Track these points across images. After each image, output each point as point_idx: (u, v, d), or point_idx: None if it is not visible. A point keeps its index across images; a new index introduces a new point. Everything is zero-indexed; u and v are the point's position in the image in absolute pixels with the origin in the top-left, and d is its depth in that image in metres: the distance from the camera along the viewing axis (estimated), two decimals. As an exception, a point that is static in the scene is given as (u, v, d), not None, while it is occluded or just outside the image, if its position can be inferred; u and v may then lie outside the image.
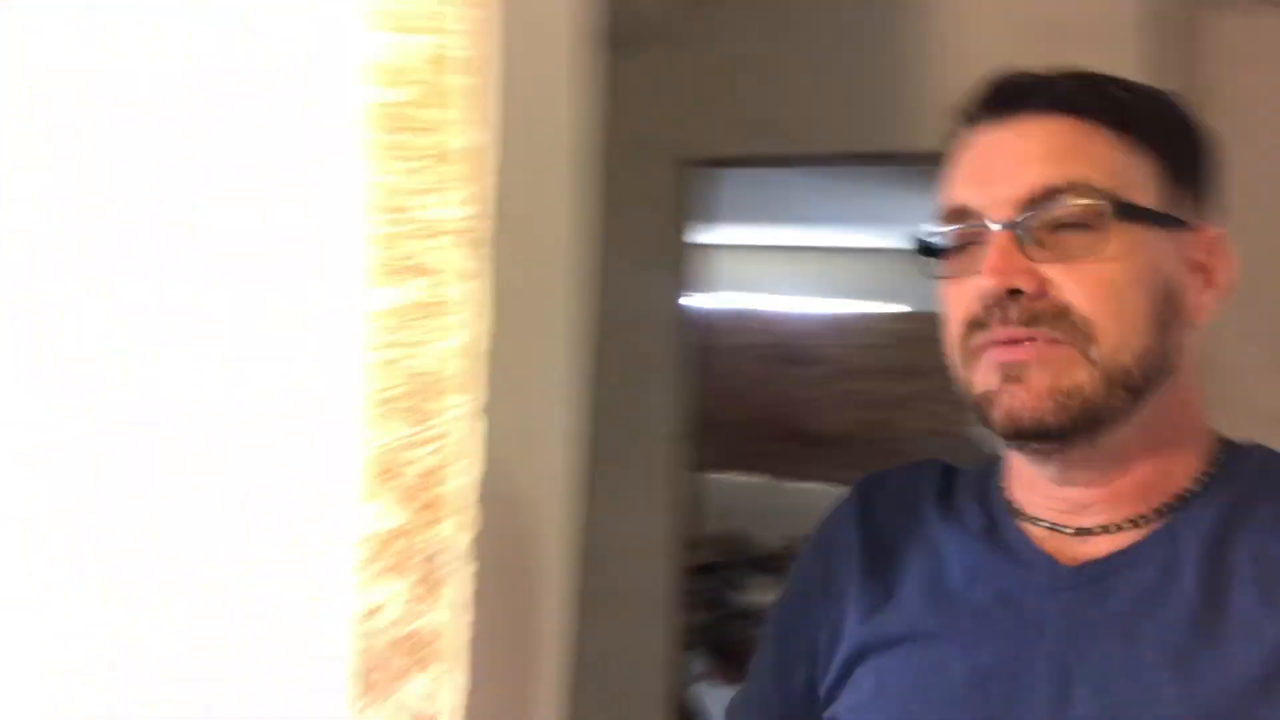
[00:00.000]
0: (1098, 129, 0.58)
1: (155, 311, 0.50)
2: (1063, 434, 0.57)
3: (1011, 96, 0.59)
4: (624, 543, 1.82)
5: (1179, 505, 0.59)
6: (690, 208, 2.02)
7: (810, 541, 0.76)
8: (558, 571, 0.76)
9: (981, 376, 0.59)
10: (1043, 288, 0.56)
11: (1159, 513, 0.59)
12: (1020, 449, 0.61)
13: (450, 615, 0.50)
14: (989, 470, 0.69)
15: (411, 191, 0.48)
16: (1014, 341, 0.57)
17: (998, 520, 0.65)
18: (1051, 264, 0.56)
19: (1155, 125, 0.59)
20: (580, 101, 0.76)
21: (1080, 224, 0.56)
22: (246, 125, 0.49)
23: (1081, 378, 0.56)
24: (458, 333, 0.50)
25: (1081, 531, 0.61)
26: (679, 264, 2.02)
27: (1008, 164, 0.58)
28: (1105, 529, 0.60)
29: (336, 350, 0.48)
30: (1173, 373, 0.59)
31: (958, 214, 0.60)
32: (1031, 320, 0.56)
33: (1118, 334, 0.56)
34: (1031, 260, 0.56)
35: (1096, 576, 0.59)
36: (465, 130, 0.50)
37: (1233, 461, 0.61)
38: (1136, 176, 0.58)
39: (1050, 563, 0.61)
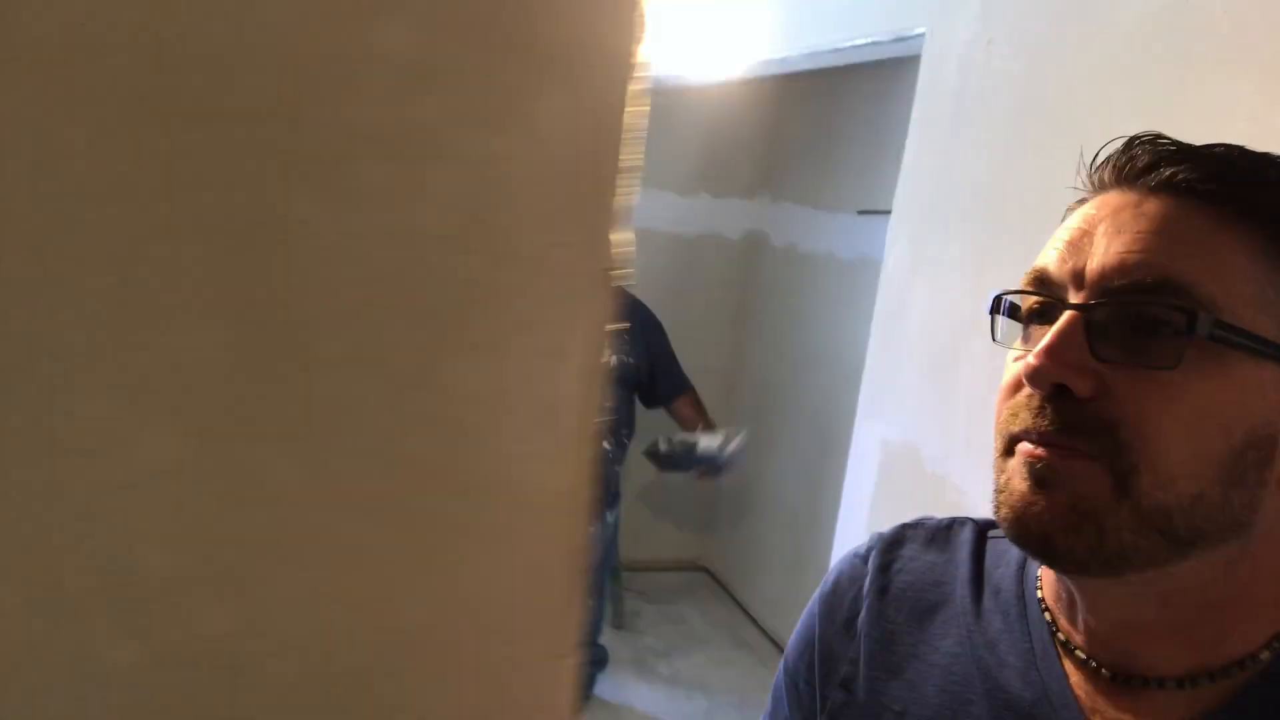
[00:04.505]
0: (1231, 226, 0.47)
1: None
2: (1074, 560, 0.47)
3: (1142, 165, 0.50)
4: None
5: (1240, 674, 0.49)
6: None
7: (821, 597, 0.68)
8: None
9: (1012, 467, 0.50)
10: (1094, 393, 0.47)
11: (1211, 677, 0.50)
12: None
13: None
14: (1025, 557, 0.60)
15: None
16: (1045, 443, 0.48)
17: (1036, 647, 0.56)
18: (1117, 367, 0.47)
19: None
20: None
21: (1162, 329, 0.46)
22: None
23: (1105, 507, 0.46)
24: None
25: (1120, 679, 0.52)
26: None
27: (1105, 238, 0.49)
28: (1147, 683, 0.51)
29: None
30: (1244, 530, 0.48)
31: (1040, 280, 0.51)
32: (1068, 428, 0.47)
33: (1166, 471, 0.46)
34: (1096, 356, 0.47)
35: None
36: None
37: None
38: (1261, 292, 0.46)
39: None
